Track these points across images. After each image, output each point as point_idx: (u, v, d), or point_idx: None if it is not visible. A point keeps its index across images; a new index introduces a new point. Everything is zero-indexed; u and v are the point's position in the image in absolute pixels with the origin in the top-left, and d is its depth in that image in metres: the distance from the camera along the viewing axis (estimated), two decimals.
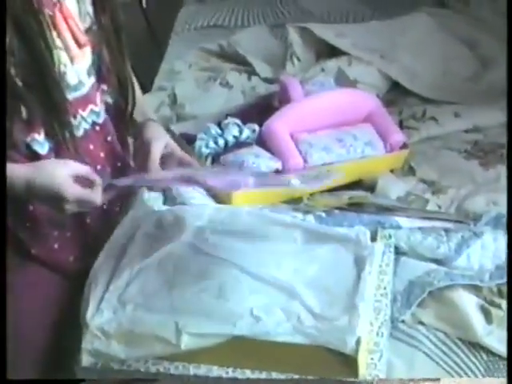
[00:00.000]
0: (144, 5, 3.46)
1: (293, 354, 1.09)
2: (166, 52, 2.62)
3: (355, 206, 1.48)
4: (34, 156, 1.24)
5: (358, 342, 1.05)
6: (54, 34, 1.22)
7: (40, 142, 1.25)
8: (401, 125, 1.84)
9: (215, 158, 1.59)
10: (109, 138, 1.37)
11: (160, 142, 1.29)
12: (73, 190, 1.16)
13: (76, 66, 1.27)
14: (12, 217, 1.27)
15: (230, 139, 1.59)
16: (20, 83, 1.17)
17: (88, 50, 1.31)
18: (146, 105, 1.57)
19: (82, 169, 1.20)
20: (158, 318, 1.14)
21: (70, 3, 1.27)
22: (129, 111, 1.39)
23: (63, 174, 1.16)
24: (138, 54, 2.54)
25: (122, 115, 1.41)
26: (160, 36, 3.10)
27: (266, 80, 2.19)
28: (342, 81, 1.93)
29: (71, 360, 1.20)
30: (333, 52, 2.20)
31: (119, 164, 1.41)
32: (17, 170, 1.17)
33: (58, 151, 1.27)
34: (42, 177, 1.17)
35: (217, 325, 1.11)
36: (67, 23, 1.25)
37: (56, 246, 1.34)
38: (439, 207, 1.51)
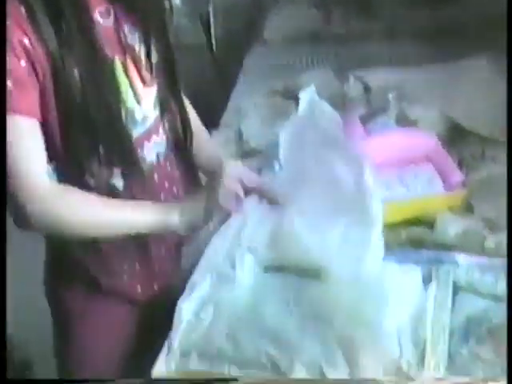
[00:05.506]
0: (214, 48, 3.63)
1: None
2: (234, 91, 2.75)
3: (413, 243, 1.52)
4: (115, 194, 1.31)
5: None
6: (125, 79, 1.28)
7: (118, 180, 1.31)
8: (460, 164, 1.87)
9: None
10: (169, 169, 1.43)
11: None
12: None
13: (143, 104, 1.33)
14: (87, 257, 1.37)
15: None
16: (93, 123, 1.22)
17: (153, 88, 1.37)
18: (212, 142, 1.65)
19: None
20: None
21: (137, 47, 1.32)
22: (188, 144, 1.47)
23: None
24: (206, 93, 2.67)
25: (182, 149, 1.47)
26: (228, 76, 3.25)
27: None
28: (403, 121, 1.97)
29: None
30: None
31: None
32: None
33: (131, 186, 1.33)
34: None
35: None
36: (136, 67, 1.31)
37: (125, 277, 1.43)
38: (497, 245, 1.52)
